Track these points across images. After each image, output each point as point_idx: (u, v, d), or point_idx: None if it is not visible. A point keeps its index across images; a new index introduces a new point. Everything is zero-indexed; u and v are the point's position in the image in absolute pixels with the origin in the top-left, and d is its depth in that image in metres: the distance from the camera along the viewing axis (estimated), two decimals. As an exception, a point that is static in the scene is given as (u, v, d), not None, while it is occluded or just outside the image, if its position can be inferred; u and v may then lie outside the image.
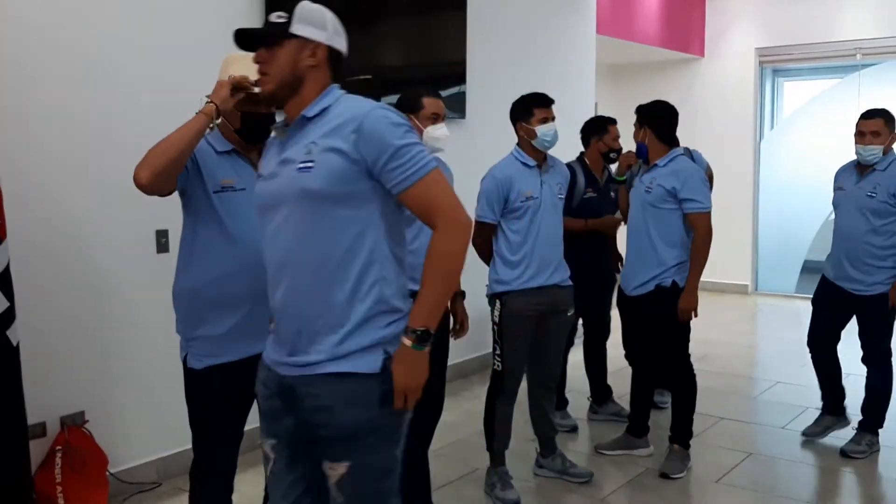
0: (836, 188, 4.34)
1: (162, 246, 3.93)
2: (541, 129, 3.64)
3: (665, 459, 4.08)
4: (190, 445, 4.04)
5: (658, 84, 9.26)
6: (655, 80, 9.32)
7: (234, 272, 2.48)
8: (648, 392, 4.30)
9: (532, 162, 3.69)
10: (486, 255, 3.77)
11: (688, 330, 4.03)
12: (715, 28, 9.21)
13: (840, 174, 4.37)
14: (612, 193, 4.63)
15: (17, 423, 2.94)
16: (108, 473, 3.68)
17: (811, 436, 4.47)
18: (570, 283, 3.80)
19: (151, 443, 3.92)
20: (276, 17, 2.04)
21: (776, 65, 9.25)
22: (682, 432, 4.09)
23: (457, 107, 5.47)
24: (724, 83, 9.17)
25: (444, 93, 5.38)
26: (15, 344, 2.90)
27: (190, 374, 2.58)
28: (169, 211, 3.86)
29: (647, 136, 4.02)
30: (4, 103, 3.21)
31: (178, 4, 3.94)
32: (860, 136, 4.12)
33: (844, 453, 4.24)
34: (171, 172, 2.31)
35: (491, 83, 5.73)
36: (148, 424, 3.91)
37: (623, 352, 4.40)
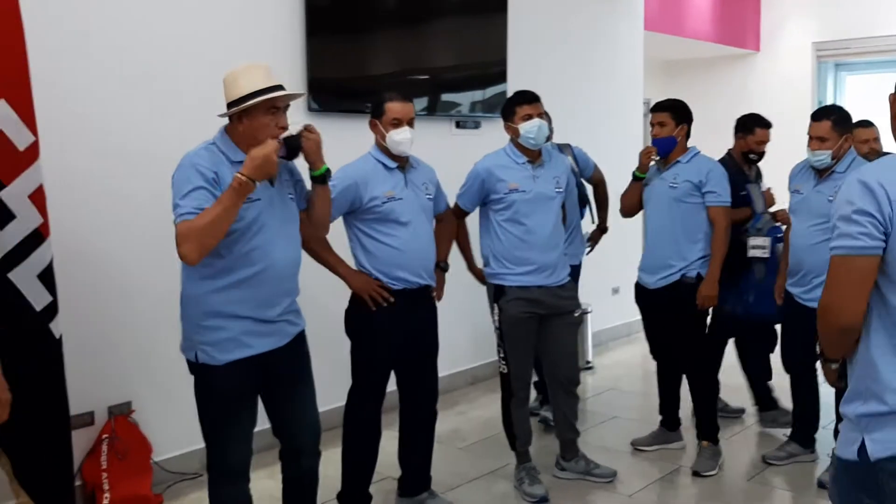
0: (793, 191, 3.99)
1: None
2: (524, 127, 3.65)
3: (697, 457, 4.07)
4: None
5: (712, 80, 9.14)
6: (709, 75, 9.20)
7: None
8: (675, 385, 4.30)
9: (522, 158, 3.72)
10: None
11: (706, 321, 4.09)
12: (770, 22, 9.03)
13: (796, 175, 4.01)
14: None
15: (59, 411, 3.09)
16: (152, 462, 3.85)
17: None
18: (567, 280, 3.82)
19: (194, 433, 4.06)
20: None
21: (837, 59, 9.04)
22: (707, 428, 4.07)
23: (498, 106, 5.50)
24: (781, 78, 8.98)
25: (485, 92, 5.46)
26: (58, 336, 3.06)
27: (206, 370, 2.73)
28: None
29: (681, 134, 4.02)
30: (48, 110, 3.38)
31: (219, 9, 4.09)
32: (809, 139, 3.84)
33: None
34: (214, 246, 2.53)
35: (532, 82, 5.71)
36: (191, 415, 4.04)
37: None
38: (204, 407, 2.79)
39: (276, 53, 4.29)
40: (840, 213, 1.82)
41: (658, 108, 4.08)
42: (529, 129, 3.65)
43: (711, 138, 8.27)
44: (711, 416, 4.09)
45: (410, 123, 3.34)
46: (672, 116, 4.03)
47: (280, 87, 2.66)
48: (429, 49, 5.17)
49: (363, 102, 4.16)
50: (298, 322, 2.89)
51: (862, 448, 1.81)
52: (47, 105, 3.17)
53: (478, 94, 5.47)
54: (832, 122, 3.76)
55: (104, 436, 3.69)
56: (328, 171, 2.87)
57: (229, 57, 4.06)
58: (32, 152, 2.97)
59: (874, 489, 1.79)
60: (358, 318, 3.39)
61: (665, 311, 4.06)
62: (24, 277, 2.95)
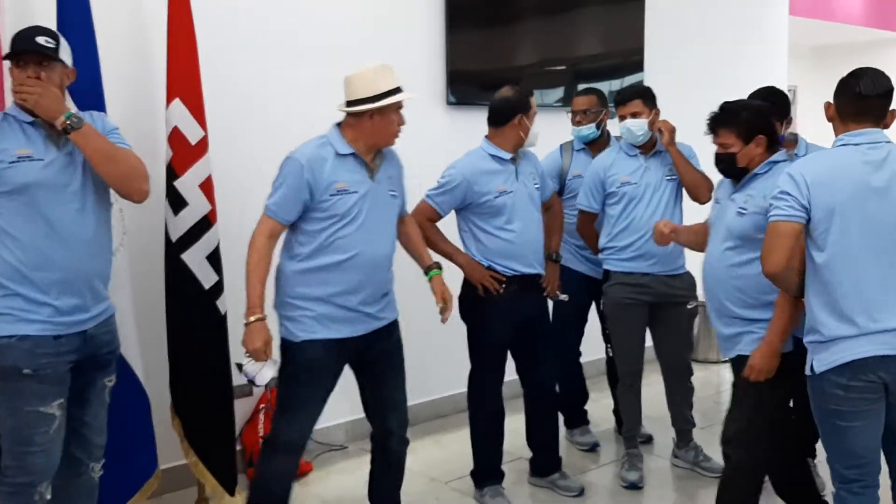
0: None
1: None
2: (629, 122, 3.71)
3: None
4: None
5: (865, 65, 8.74)
6: (862, 61, 8.66)
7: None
8: None
9: (633, 151, 3.76)
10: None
11: None
12: (930, 2, 8.57)
13: None
14: None
15: (223, 381, 3.38)
16: (302, 432, 4.13)
17: None
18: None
19: (341, 407, 4.34)
20: None
21: None
22: None
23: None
24: (940, 62, 8.51)
25: (622, 82, 5.49)
26: (223, 312, 3.35)
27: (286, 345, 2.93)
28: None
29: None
30: (215, 106, 3.68)
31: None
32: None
33: None
34: None
35: (669, 71, 5.73)
36: (338, 389, 4.31)
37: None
38: (281, 379, 2.94)
39: (417, 47, 4.50)
40: (772, 195, 2.57)
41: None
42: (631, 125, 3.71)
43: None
44: None
45: None
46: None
47: (402, 90, 2.90)
48: (566, 39, 5.23)
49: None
50: (388, 313, 3.03)
51: (812, 367, 2.56)
52: (215, 102, 3.45)
53: (615, 84, 5.50)
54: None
55: (261, 405, 4.00)
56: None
57: (374, 49, 4.29)
58: (202, 146, 3.27)
59: (822, 393, 2.55)
60: (472, 302, 3.53)
61: None
62: (194, 259, 3.26)
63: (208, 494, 3.48)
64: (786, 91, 6.54)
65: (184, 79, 3.23)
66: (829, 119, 2.68)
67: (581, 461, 4.17)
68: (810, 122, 8.73)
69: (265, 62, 3.99)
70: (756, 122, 2.89)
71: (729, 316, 2.90)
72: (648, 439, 4.24)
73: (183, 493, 3.63)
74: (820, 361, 2.53)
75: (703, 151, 3.68)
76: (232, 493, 3.41)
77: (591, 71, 5.38)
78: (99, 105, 2.98)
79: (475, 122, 4.05)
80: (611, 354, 3.93)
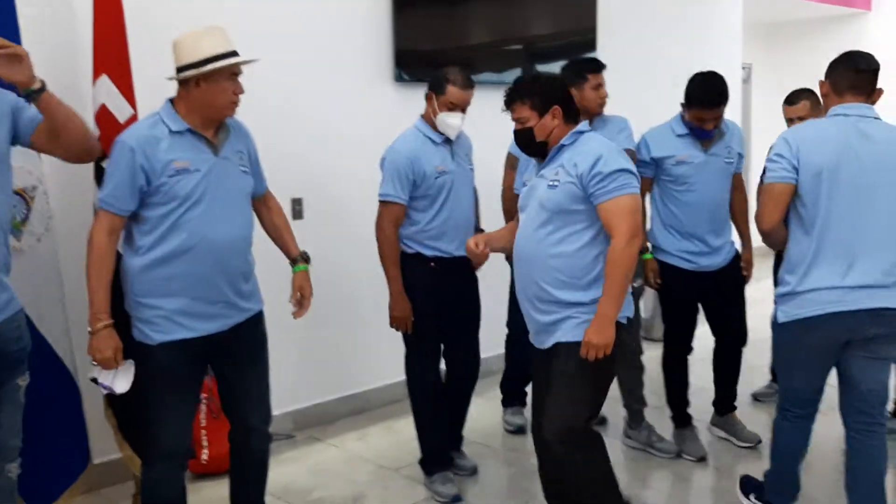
0: None
1: (297, 213, 4.21)
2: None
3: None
4: (322, 399, 4.37)
5: (818, 43, 8.75)
6: (815, 38, 8.81)
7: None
8: None
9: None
10: None
11: None
12: (882, -22, 8.60)
13: None
14: None
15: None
16: (247, 421, 4.02)
17: None
18: None
19: (287, 394, 4.24)
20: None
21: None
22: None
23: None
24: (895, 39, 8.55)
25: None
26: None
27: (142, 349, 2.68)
28: (303, 180, 4.18)
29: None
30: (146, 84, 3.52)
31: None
32: None
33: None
34: None
35: (622, 48, 5.66)
36: (285, 377, 4.20)
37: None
38: (141, 386, 2.67)
39: (363, 25, 4.37)
40: (768, 157, 2.88)
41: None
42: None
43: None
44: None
45: (464, 109, 3.35)
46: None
47: (237, 53, 2.63)
48: (517, 18, 5.13)
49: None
50: (252, 303, 2.81)
51: (776, 316, 2.89)
52: (145, 79, 3.30)
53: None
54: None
55: (203, 395, 3.87)
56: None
57: (317, 29, 4.18)
58: (131, 124, 3.11)
59: (781, 341, 2.92)
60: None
61: (728, 289, 3.93)
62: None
63: (145, 488, 3.35)
64: (740, 69, 6.48)
65: (111, 53, 3.07)
66: (824, 95, 2.94)
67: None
68: (763, 99, 8.80)
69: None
70: (550, 92, 2.73)
71: (547, 301, 2.70)
72: (601, 420, 4.17)
73: (121, 488, 3.50)
74: (784, 313, 2.85)
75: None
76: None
77: (544, 51, 5.29)
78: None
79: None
80: None
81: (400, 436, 4.19)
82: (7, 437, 2.50)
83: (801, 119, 3.97)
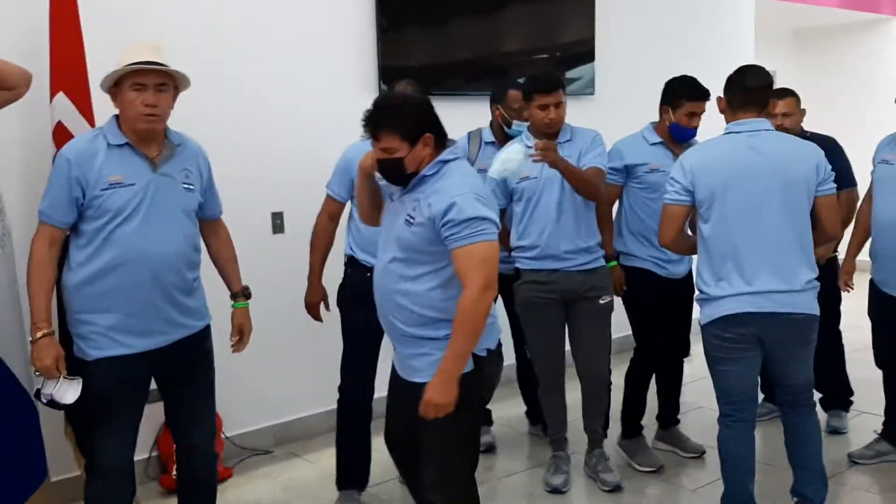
0: (880, 161, 3.67)
1: (277, 227, 4.20)
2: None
3: None
4: (304, 414, 4.32)
5: (844, 49, 8.56)
6: (840, 44, 8.60)
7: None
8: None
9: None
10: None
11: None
12: (910, -17, 8.34)
13: (886, 146, 3.70)
14: None
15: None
16: (222, 436, 3.99)
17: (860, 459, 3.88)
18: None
19: (266, 410, 4.22)
20: None
21: None
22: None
23: (586, 84, 5.42)
24: (922, 44, 8.30)
25: (571, 73, 5.32)
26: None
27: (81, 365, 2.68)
28: (284, 194, 4.17)
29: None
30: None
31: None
32: None
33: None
34: None
35: (623, 60, 5.57)
36: (264, 392, 4.19)
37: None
38: (85, 400, 2.67)
39: (348, 45, 4.37)
40: (667, 179, 3.08)
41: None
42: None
43: (847, 112, 7.77)
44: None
45: None
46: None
47: (158, 64, 2.60)
48: (513, 31, 5.06)
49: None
50: (194, 320, 2.78)
51: (700, 319, 3.07)
52: (104, 96, 3.31)
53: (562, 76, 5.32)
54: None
55: (175, 411, 3.86)
56: None
57: (302, 43, 4.17)
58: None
59: (706, 342, 3.07)
60: (341, 293, 3.51)
61: None
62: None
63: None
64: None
65: (68, 71, 3.10)
66: (721, 111, 3.10)
67: (507, 462, 4.04)
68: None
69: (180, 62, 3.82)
70: (420, 119, 2.47)
71: (400, 335, 2.54)
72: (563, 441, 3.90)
73: (81, 506, 3.49)
74: (704, 315, 3.05)
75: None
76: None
77: (538, 64, 5.17)
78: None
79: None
80: (528, 356, 3.77)
81: (378, 454, 4.11)
82: None
83: (785, 116, 3.94)
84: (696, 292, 3.10)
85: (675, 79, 3.74)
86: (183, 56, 3.78)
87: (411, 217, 2.46)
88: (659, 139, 3.74)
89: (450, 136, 2.58)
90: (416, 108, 2.50)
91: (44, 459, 3.13)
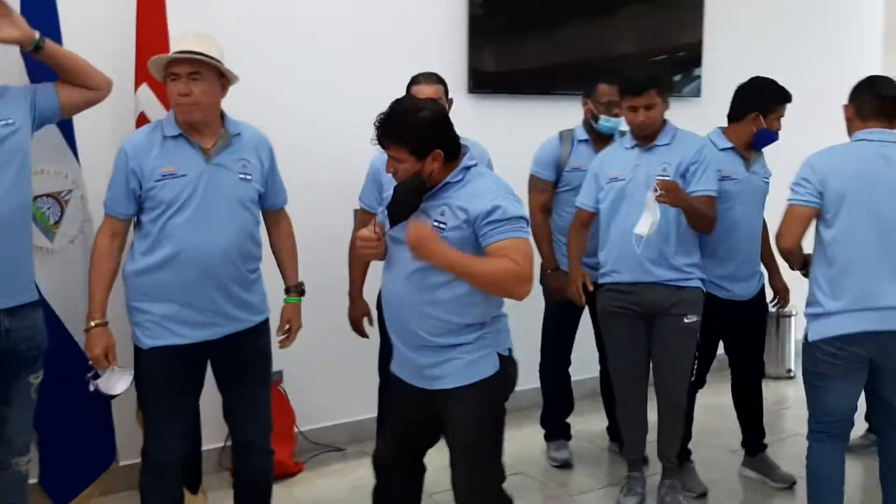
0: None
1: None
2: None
3: None
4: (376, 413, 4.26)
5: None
6: None
7: None
8: None
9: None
10: None
11: None
12: None
13: None
14: None
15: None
16: (295, 431, 4.01)
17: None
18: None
19: (341, 406, 4.20)
20: None
21: None
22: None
23: (692, 87, 5.26)
24: None
25: (679, 76, 5.17)
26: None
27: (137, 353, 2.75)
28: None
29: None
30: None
31: None
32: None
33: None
34: None
35: (732, 65, 5.30)
36: (340, 388, 4.17)
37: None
38: (138, 392, 2.76)
39: (439, 53, 4.31)
40: (794, 180, 2.97)
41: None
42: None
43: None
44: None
45: None
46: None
47: (187, 53, 2.61)
48: (622, 35, 4.95)
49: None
50: (251, 314, 2.78)
51: (806, 335, 2.95)
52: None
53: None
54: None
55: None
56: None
57: (393, 56, 4.13)
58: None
59: (812, 359, 2.93)
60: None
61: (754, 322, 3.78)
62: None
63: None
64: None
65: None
66: (847, 119, 3.07)
67: (582, 479, 3.90)
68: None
69: (278, 62, 3.89)
70: (429, 136, 2.40)
71: (423, 346, 2.48)
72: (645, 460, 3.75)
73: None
74: (814, 332, 2.91)
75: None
76: (194, 492, 3.33)
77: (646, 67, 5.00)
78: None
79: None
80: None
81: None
82: (17, 433, 2.60)
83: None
84: (808, 306, 2.96)
85: (754, 84, 3.58)
86: (279, 58, 3.85)
87: (441, 222, 2.42)
88: (730, 144, 3.53)
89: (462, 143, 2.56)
90: (429, 123, 2.42)
91: (113, 442, 3.23)
